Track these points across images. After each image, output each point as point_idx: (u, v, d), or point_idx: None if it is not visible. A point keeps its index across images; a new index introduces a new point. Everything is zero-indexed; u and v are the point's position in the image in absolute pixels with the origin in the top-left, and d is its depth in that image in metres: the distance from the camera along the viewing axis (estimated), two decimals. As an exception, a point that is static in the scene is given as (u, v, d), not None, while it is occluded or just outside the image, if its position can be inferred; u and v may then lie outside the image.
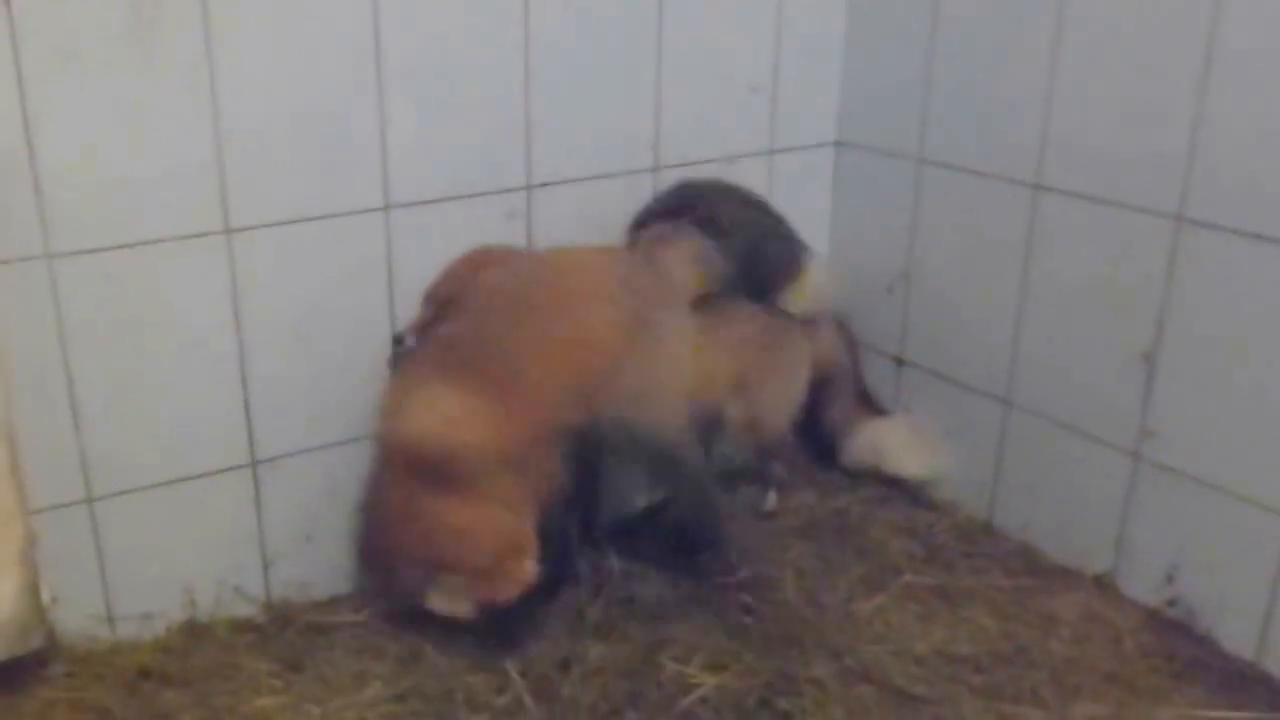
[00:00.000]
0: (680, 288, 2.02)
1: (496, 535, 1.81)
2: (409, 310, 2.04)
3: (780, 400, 2.29)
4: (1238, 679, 1.82)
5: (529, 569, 1.81)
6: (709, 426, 2.18)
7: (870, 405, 2.44)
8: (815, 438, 2.43)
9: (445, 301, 1.98)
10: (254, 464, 1.97)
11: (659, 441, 1.91)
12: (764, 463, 2.35)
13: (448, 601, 1.85)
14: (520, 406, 1.81)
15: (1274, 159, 1.72)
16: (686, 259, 2.11)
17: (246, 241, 1.87)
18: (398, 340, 2.01)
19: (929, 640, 1.91)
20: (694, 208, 2.16)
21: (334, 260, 1.97)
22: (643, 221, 2.21)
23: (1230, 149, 1.77)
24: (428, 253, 2.04)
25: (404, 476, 1.84)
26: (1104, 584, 2.05)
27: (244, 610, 2.00)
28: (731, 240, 2.15)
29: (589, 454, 1.97)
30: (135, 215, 1.78)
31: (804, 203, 2.48)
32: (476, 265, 2.02)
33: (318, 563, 2.05)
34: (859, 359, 2.45)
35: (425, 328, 1.97)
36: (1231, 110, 1.77)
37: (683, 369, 1.91)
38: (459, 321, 1.91)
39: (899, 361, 2.41)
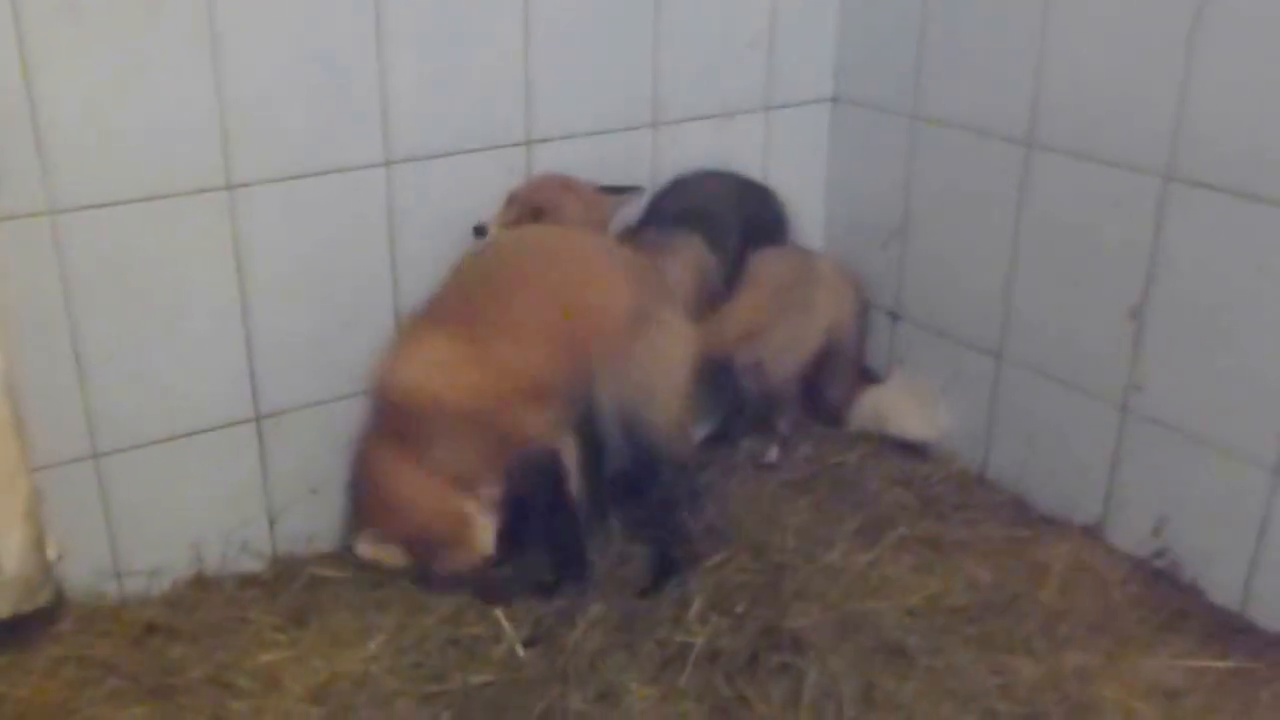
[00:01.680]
0: (680, 292, 2.02)
1: (436, 515, 1.85)
2: (410, 264, 2.00)
3: (787, 348, 2.26)
4: (1223, 628, 1.82)
5: (479, 544, 1.86)
6: (721, 372, 2.20)
7: (867, 375, 2.41)
8: (818, 409, 2.40)
9: (526, 205, 2.00)
10: (258, 418, 1.94)
11: (652, 442, 1.88)
12: (768, 413, 2.33)
13: (373, 551, 1.89)
14: (506, 365, 1.80)
15: (1260, 119, 1.70)
16: (688, 266, 2.12)
17: (248, 197, 1.83)
18: (479, 231, 1.98)
19: (923, 592, 1.90)
20: (692, 212, 2.18)
21: (336, 215, 1.92)
22: (645, 223, 2.20)
23: (1218, 108, 1.75)
24: (428, 207, 2.00)
25: (377, 421, 1.89)
26: (1093, 535, 2.05)
27: (250, 564, 1.98)
28: (728, 247, 2.19)
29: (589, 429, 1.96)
30: (137, 170, 1.73)
31: (800, 158, 2.44)
32: (562, 184, 2.04)
33: (323, 516, 2.03)
34: (865, 331, 2.42)
35: (509, 224, 1.99)
36: (1219, 70, 1.74)
37: (684, 372, 1.89)
38: (464, 277, 1.90)
39: (894, 316, 2.39)
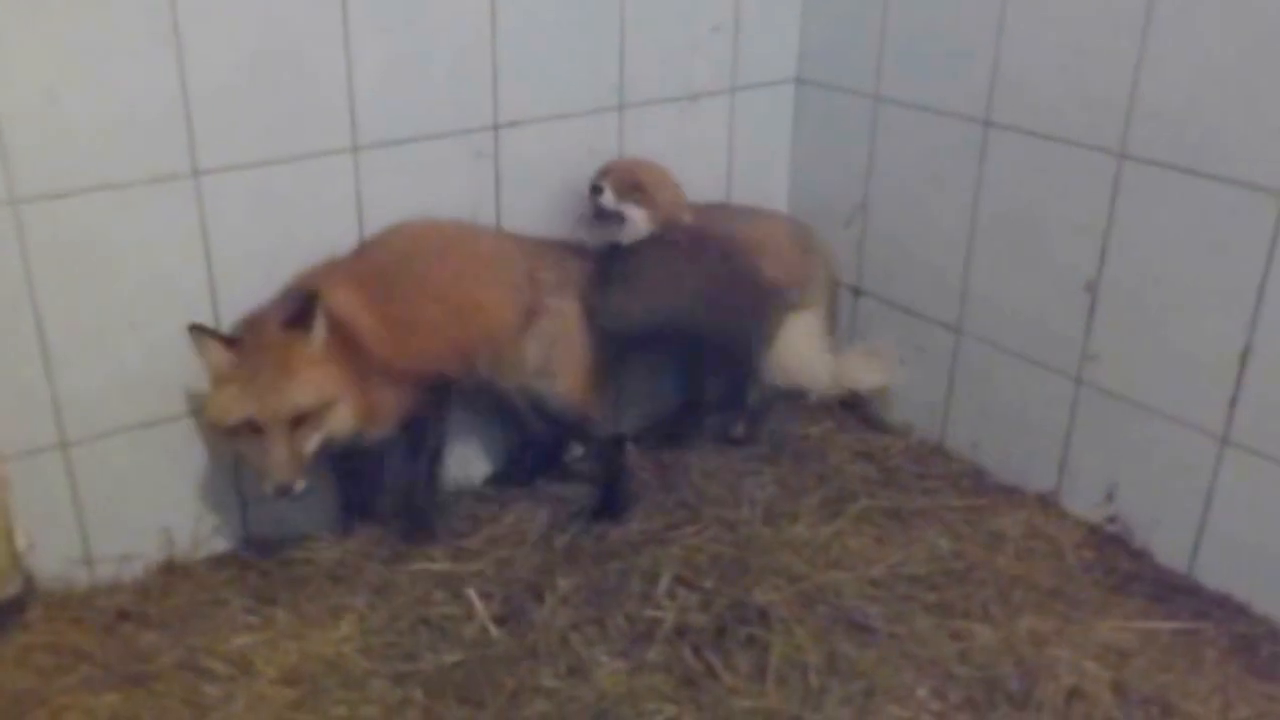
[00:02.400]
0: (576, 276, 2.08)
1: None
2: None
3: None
4: (1171, 590, 1.87)
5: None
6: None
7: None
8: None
9: (627, 178, 2.11)
10: (229, 404, 1.93)
11: (568, 409, 2.06)
12: (736, 389, 2.35)
13: None
14: (404, 343, 1.85)
15: (1210, 99, 1.73)
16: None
17: (215, 184, 1.81)
18: (596, 190, 2.10)
19: (884, 562, 1.93)
20: None
21: (304, 201, 1.91)
22: None
23: (1169, 89, 1.78)
24: (397, 193, 1.99)
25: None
26: (1048, 502, 2.09)
27: (222, 549, 1.97)
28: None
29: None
30: (101, 159, 1.71)
31: (765, 139, 2.45)
32: (663, 172, 2.16)
33: (295, 500, 2.02)
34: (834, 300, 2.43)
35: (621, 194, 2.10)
36: (1171, 52, 1.77)
37: (577, 347, 2.05)
38: (382, 252, 1.95)
39: (857, 292, 2.41)
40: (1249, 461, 1.79)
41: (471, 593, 1.85)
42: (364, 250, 1.96)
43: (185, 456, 1.91)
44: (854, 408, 2.39)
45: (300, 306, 1.74)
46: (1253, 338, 1.75)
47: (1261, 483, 1.77)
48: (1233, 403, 1.79)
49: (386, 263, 1.92)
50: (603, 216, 2.12)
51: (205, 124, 1.77)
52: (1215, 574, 1.87)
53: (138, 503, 1.89)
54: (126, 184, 1.74)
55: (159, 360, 1.84)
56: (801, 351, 2.28)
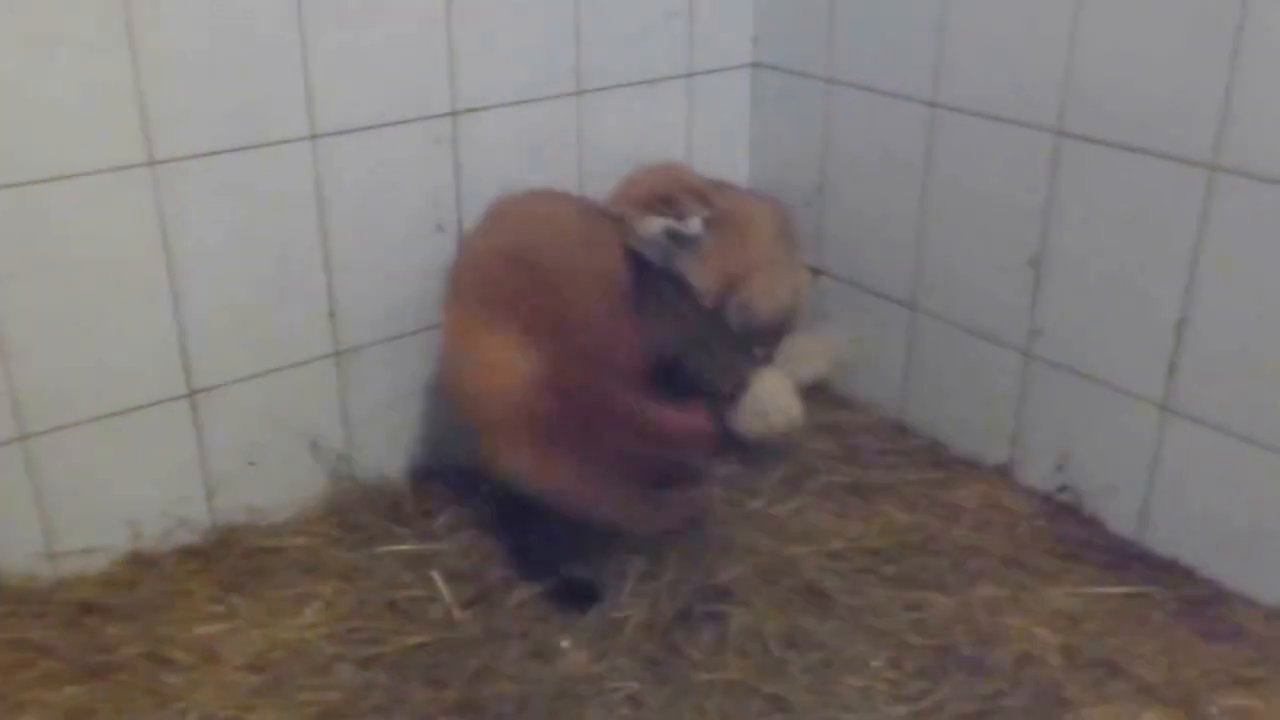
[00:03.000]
0: None
1: None
2: (342, 236, 1.99)
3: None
4: (1121, 556, 1.90)
5: None
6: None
7: None
8: None
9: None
10: (191, 394, 1.91)
11: None
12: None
13: None
14: None
15: (1143, 76, 1.76)
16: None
17: (172, 173, 1.79)
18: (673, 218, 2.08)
19: (844, 536, 1.95)
20: None
21: (263, 190, 1.89)
22: None
23: (1104, 66, 1.80)
24: (356, 180, 1.98)
25: None
26: (1003, 474, 2.12)
27: (189, 539, 1.95)
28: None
29: None
30: (55, 149, 1.69)
31: (723, 123, 2.45)
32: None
33: (262, 487, 2.01)
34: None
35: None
36: (1105, 29, 1.79)
37: None
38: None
39: (816, 272, 2.43)
40: (1190, 429, 1.82)
41: (436, 575, 1.86)
42: None
43: (150, 448, 1.90)
44: (817, 386, 2.40)
45: None
46: (1187, 307, 1.78)
47: (1202, 449, 1.80)
48: (1171, 372, 1.82)
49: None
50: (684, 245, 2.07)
51: (160, 113, 1.75)
52: (1163, 539, 1.90)
53: (103, 495, 1.87)
54: (82, 173, 1.72)
55: (120, 351, 1.82)
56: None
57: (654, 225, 2.08)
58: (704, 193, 2.12)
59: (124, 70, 1.70)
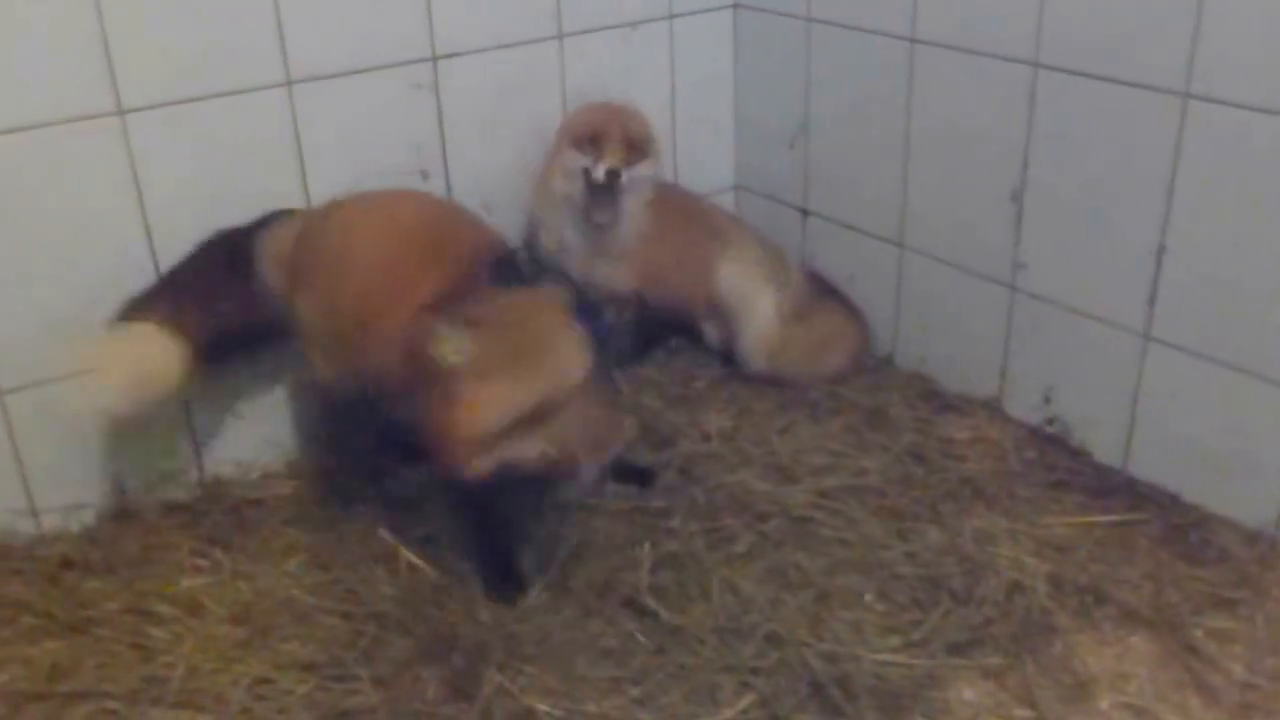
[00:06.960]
0: None
1: None
2: (322, 183, 1.88)
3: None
4: (1107, 485, 1.83)
5: None
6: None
7: None
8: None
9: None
10: (176, 347, 1.82)
11: None
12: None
13: None
14: None
15: (1117, 7, 1.67)
16: None
17: (142, 122, 1.70)
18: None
19: (837, 473, 1.88)
20: None
21: (238, 138, 1.80)
22: None
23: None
24: (335, 126, 1.89)
25: None
26: (992, 408, 2.04)
27: (176, 493, 1.87)
28: None
29: None
30: (21, 98, 1.60)
31: (706, 65, 2.35)
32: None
33: (249, 440, 1.94)
34: None
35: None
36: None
37: None
38: None
39: (804, 212, 2.33)
40: (1170, 356, 1.75)
41: (384, 532, 1.74)
42: None
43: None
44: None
45: None
46: (1165, 236, 1.70)
47: (1183, 376, 1.74)
48: (1152, 300, 1.75)
49: None
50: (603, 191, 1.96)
51: (126, 60, 1.65)
52: (1148, 467, 1.83)
53: (84, 451, 1.79)
54: (49, 123, 1.62)
55: (95, 304, 1.71)
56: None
57: (574, 161, 1.99)
58: (631, 139, 1.99)
59: (88, 17, 1.60)
